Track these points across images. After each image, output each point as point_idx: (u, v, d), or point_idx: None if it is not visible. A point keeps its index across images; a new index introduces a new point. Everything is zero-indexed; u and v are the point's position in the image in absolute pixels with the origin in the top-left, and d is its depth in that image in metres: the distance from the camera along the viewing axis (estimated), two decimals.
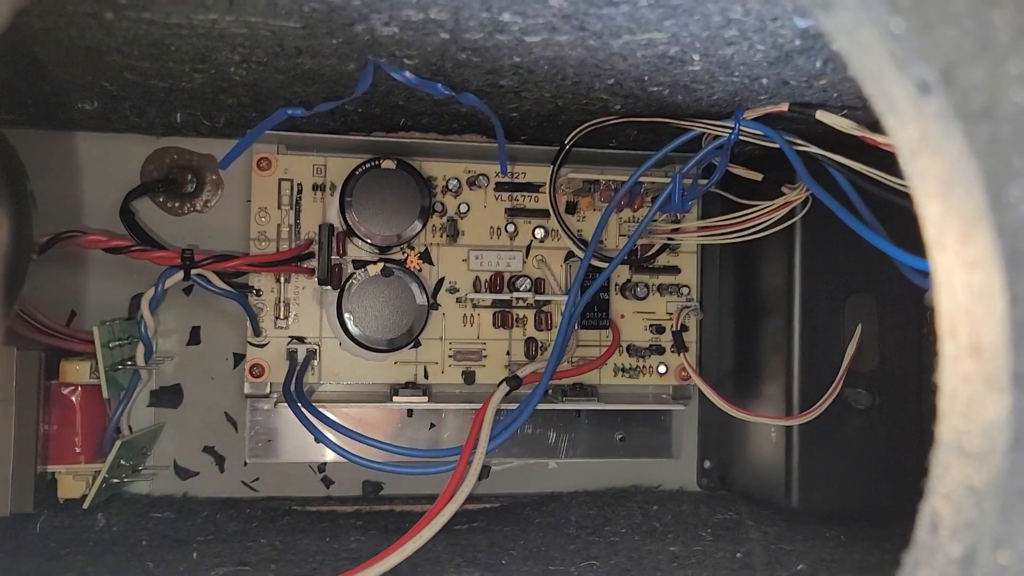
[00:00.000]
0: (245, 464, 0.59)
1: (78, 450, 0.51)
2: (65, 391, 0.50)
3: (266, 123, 0.45)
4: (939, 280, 0.23)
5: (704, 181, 0.54)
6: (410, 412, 0.58)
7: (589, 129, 0.53)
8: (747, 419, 0.55)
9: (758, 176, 0.56)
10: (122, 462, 0.51)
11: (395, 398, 0.56)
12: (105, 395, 0.50)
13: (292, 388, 0.51)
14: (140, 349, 0.52)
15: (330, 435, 0.51)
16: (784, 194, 0.53)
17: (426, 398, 0.56)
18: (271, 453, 0.58)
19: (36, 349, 0.49)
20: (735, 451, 0.63)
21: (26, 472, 0.48)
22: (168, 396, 0.59)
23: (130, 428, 0.56)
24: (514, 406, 0.53)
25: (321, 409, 0.55)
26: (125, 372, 0.53)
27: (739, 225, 0.53)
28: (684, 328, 0.60)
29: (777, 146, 0.49)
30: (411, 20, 0.36)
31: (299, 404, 0.50)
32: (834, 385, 0.53)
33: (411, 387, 0.56)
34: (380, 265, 0.54)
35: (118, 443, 0.50)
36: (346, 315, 0.54)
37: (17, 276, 0.43)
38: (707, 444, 0.65)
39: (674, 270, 0.61)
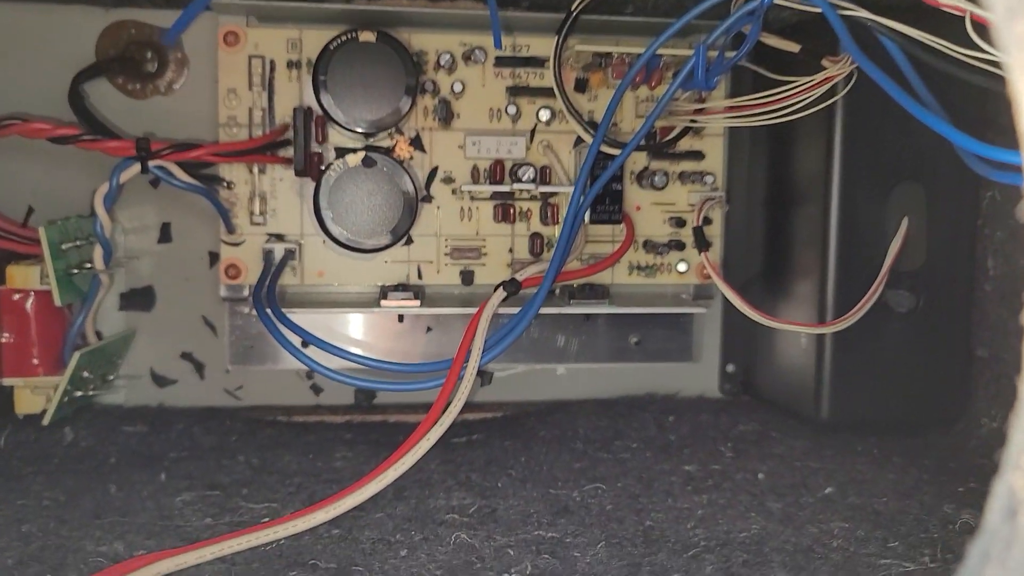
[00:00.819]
0: (227, 371, 0.55)
1: (35, 362, 0.46)
2: (16, 297, 0.46)
3: None
4: None
5: (732, 53, 0.47)
6: (400, 317, 0.53)
7: None
8: (776, 327, 0.49)
9: (795, 47, 0.48)
10: (85, 374, 0.47)
11: (383, 302, 0.50)
12: (58, 302, 0.45)
13: (264, 295, 0.46)
14: (98, 251, 0.47)
15: (306, 350, 0.46)
16: (824, 68, 0.46)
17: (418, 302, 0.51)
18: (254, 359, 0.53)
19: None
20: (761, 354, 0.57)
21: None
22: (139, 299, 0.54)
23: (98, 335, 0.51)
24: (516, 310, 0.48)
25: (302, 314, 0.50)
26: (83, 276, 0.47)
27: (772, 104, 0.46)
28: (707, 221, 0.54)
29: (818, 10, 0.41)
30: None
31: (270, 313, 0.45)
32: (874, 287, 0.47)
33: (402, 289, 0.51)
34: (361, 154, 0.48)
35: (77, 354, 0.45)
36: (324, 212, 0.48)
37: None
38: (731, 346, 0.59)
39: (697, 155, 0.54)
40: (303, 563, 0.34)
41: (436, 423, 0.39)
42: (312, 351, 0.49)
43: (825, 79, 0.45)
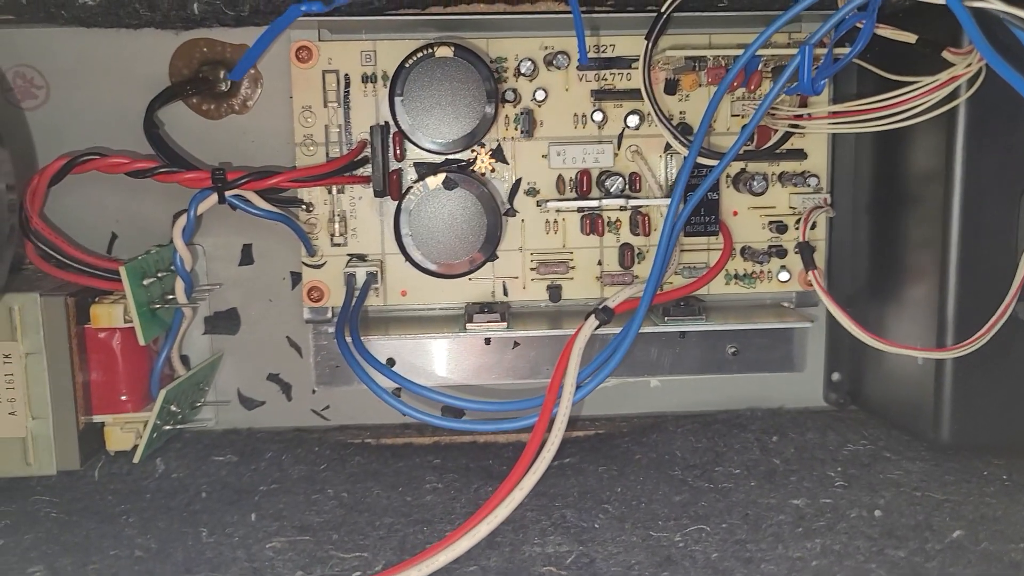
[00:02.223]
0: (313, 392, 0.54)
1: (124, 398, 0.46)
2: (101, 336, 0.45)
3: (275, 26, 0.36)
4: None
5: (843, 51, 0.43)
6: (488, 340, 0.51)
7: None
8: (893, 351, 0.45)
9: (911, 37, 0.44)
10: (173, 407, 0.47)
11: (469, 325, 0.48)
12: (142, 342, 0.44)
13: (345, 330, 0.45)
14: (179, 285, 0.46)
15: (387, 385, 0.44)
16: (946, 63, 0.41)
17: (504, 323, 0.48)
18: (340, 379, 0.52)
19: (62, 293, 0.44)
20: (870, 363, 0.53)
21: (67, 426, 0.44)
22: (224, 322, 0.53)
23: (185, 360, 0.51)
24: (615, 331, 0.45)
25: (387, 341, 0.49)
26: (167, 309, 0.47)
27: (888, 109, 0.42)
28: (812, 226, 0.50)
29: (941, 1, 0.37)
30: None
31: (352, 349, 0.43)
32: (1006, 303, 0.43)
33: (487, 310, 0.49)
34: (441, 176, 0.46)
35: (163, 392, 0.45)
36: (405, 238, 0.46)
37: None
38: (836, 354, 0.55)
39: (799, 154, 0.51)
40: None
41: (529, 469, 0.38)
42: (398, 370, 0.48)
43: (950, 79, 0.40)
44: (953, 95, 0.42)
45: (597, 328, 0.44)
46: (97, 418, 0.46)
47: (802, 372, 0.54)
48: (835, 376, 0.56)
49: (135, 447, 0.46)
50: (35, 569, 0.37)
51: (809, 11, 0.42)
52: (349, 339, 0.44)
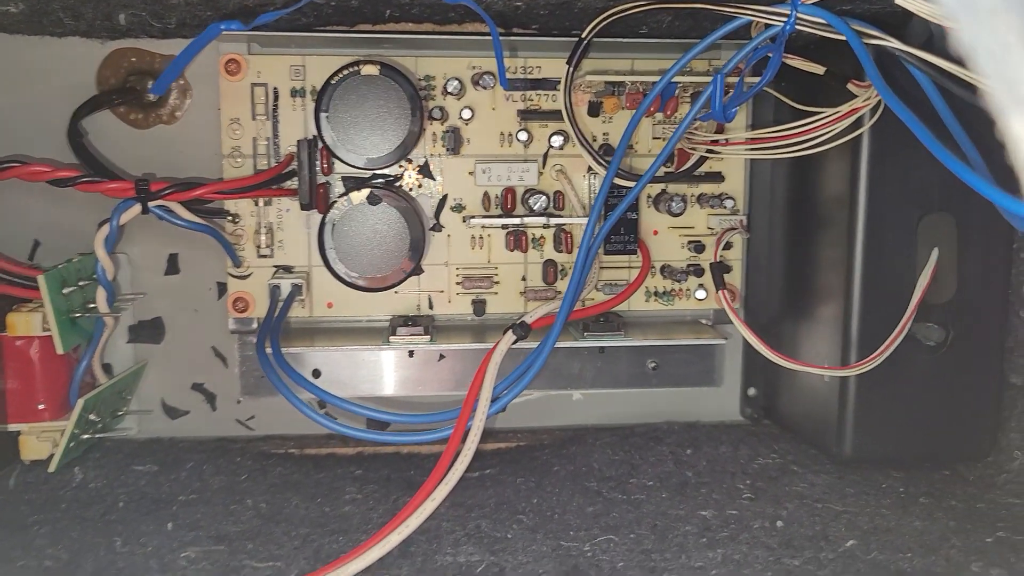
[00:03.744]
0: (239, 402, 0.54)
1: (41, 407, 0.46)
2: (18, 344, 0.45)
3: (196, 42, 0.37)
4: None
5: (753, 80, 0.44)
6: (411, 353, 0.51)
7: (611, 19, 0.44)
8: (797, 368, 0.47)
9: (820, 69, 0.46)
10: (92, 416, 0.47)
11: (392, 338, 0.49)
12: (59, 350, 0.44)
13: (266, 343, 0.45)
14: (101, 294, 0.46)
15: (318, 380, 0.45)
16: (850, 93, 0.44)
17: (428, 337, 0.49)
18: (265, 390, 0.52)
19: None
20: (783, 379, 0.55)
21: None
22: (148, 331, 0.53)
23: (107, 368, 0.51)
24: (530, 345, 0.46)
25: (311, 352, 0.50)
26: (87, 318, 0.47)
27: (795, 137, 0.44)
28: (728, 246, 0.52)
29: (842, 37, 0.39)
30: None
31: (272, 363, 0.43)
32: (903, 323, 0.45)
33: (411, 323, 0.50)
34: (366, 192, 0.47)
35: (81, 401, 0.45)
36: (328, 251, 0.47)
37: None
38: (752, 369, 0.57)
39: (717, 177, 0.52)
40: None
41: (442, 481, 0.38)
42: (323, 381, 0.49)
43: (851, 110, 0.42)
44: (857, 124, 0.44)
45: (514, 343, 0.45)
46: (12, 427, 0.46)
47: (719, 387, 0.56)
48: (751, 391, 0.58)
49: (51, 456, 0.46)
50: None
51: (728, 40, 0.43)
52: (269, 350, 0.45)
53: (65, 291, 0.45)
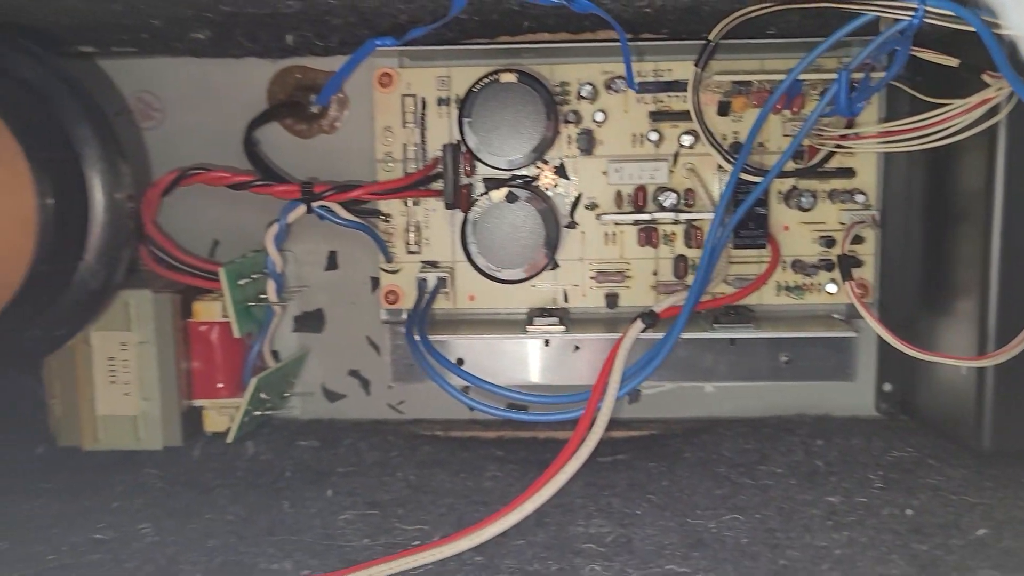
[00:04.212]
0: (390, 387, 0.59)
1: (220, 385, 0.52)
2: (201, 329, 0.51)
3: (354, 58, 0.42)
4: None
5: (879, 75, 0.45)
6: (547, 342, 0.55)
7: (738, 21, 0.46)
8: (929, 359, 0.47)
9: (954, 61, 0.46)
10: (263, 395, 0.52)
11: (529, 328, 0.53)
12: (236, 334, 0.50)
13: (415, 330, 0.49)
14: (271, 285, 0.52)
15: (453, 381, 0.49)
16: (985, 84, 0.44)
17: (563, 327, 0.52)
18: (414, 376, 0.56)
19: (169, 291, 0.50)
20: (920, 372, 0.55)
21: (172, 408, 0.50)
22: (311, 321, 0.59)
23: (275, 355, 0.56)
24: (660, 335, 0.49)
25: (455, 340, 0.54)
26: (259, 307, 0.53)
27: (925, 129, 0.44)
28: (859, 240, 0.53)
29: (971, 28, 0.40)
30: None
31: (420, 348, 0.48)
32: None
33: (547, 314, 0.53)
34: (504, 190, 0.50)
35: (255, 379, 0.50)
36: (470, 246, 0.51)
37: (120, 228, 0.43)
38: (888, 364, 0.57)
39: (848, 173, 0.53)
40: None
41: (573, 456, 0.41)
42: (466, 368, 0.53)
43: (983, 100, 0.42)
44: (993, 114, 0.44)
45: (643, 331, 0.48)
46: (197, 402, 0.52)
47: (854, 382, 0.56)
48: (887, 386, 0.57)
49: (228, 429, 0.52)
50: (144, 527, 0.43)
51: (858, 36, 0.44)
52: (417, 338, 0.49)
53: (240, 282, 0.51)
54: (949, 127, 0.44)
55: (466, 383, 0.50)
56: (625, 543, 0.41)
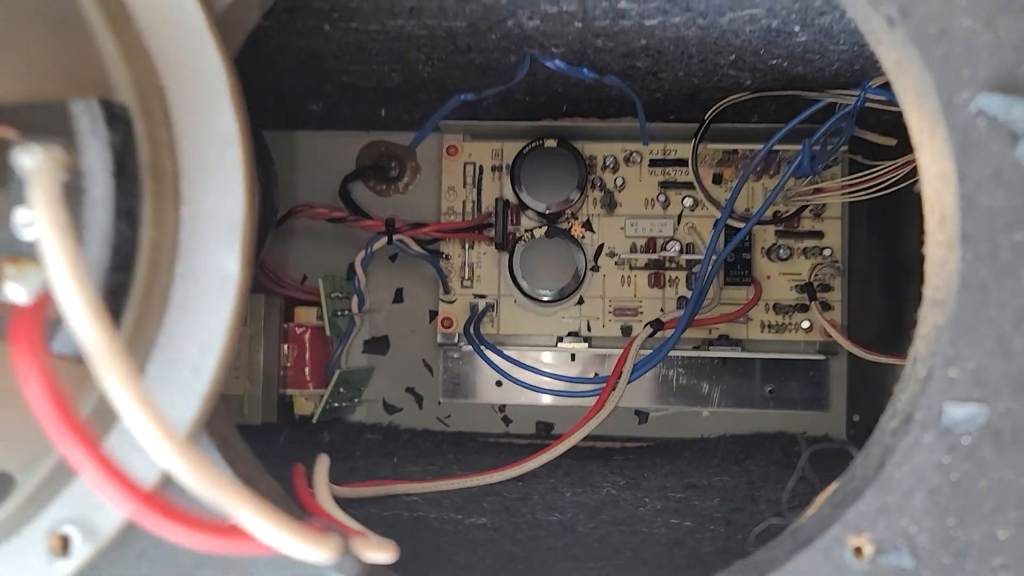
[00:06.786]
0: (439, 403, 0.71)
1: (308, 378, 0.64)
2: (298, 331, 0.64)
3: (446, 107, 0.56)
4: (922, 173, 0.29)
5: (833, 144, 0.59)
6: (573, 356, 0.67)
7: (727, 105, 0.60)
8: (888, 362, 0.59)
9: (891, 141, 0.60)
10: (341, 390, 0.64)
11: (560, 343, 0.65)
12: (328, 333, 0.63)
13: (472, 330, 0.62)
14: (355, 300, 0.65)
15: (501, 364, 0.61)
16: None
17: (586, 344, 0.65)
18: (460, 393, 0.68)
19: (277, 297, 0.63)
20: (885, 404, 0.66)
21: (271, 392, 0.62)
22: (378, 345, 0.71)
23: (347, 365, 0.68)
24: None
25: (496, 357, 0.66)
26: (343, 319, 0.65)
27: (860, 185, 0.58)
28: (826, 288, 0.66)
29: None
30: (548, 12, 0.45)
31: (476, 340, 0.60)
32: None
33: (573, 336, 0.66)
34: (545, 228, 0.64)
35: (337, 372, 0.63)
36: (516, 271, 0.64)
37: (263, 235, 0.56)
38: (856, 397, 0.69)
39: (818, 235, 0.66)
40: (495, 494, 0.48)
41: (595, 416, 0.53)
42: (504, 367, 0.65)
43: (904, 163, 0.56)
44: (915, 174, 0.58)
45: (651, 335, 0.60)
46: (289, 391, 0.64)
47: (828, 411, 0.68)
48: (856, 417, 0.69)
49: (312, 413, 0.63)
50: None
51: (816, 124, 0.59)
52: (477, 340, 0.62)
53: (332, 295, 0.64)
54: (880, 183, 0.57)
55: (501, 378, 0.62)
56: (635, 484, 0.52)
